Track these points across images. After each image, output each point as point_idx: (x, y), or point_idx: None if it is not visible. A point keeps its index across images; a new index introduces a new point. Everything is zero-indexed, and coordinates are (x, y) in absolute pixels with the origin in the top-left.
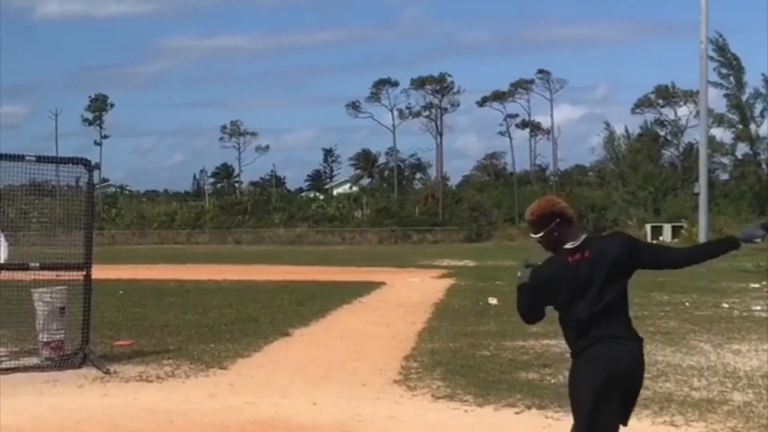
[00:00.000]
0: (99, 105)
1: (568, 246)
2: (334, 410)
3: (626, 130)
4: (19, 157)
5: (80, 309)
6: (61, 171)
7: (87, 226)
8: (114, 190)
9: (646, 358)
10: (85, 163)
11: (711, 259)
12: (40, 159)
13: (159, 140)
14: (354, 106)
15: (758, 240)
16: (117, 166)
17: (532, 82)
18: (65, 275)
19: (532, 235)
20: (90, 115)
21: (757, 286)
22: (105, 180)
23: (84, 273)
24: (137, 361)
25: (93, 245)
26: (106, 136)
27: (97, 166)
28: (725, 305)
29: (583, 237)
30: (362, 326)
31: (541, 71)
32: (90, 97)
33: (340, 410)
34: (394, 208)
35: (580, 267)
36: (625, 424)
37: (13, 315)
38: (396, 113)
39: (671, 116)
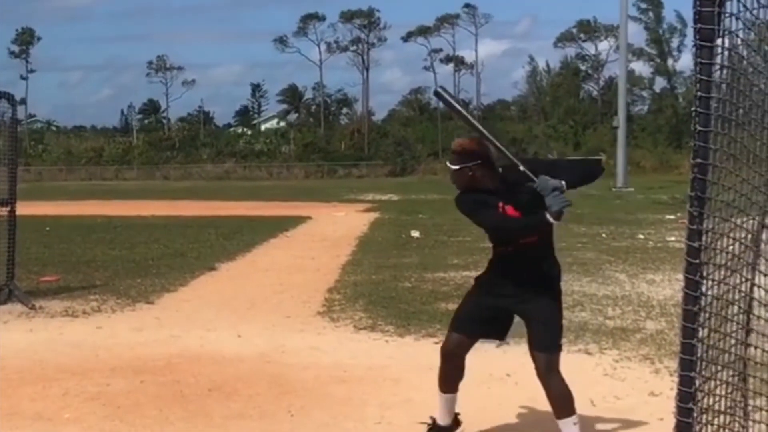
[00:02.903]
0: (25, 38)
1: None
2: (259, 342)
3: (547, 65)
4: None
5: (5, 245)
6: None
7: (11, 161)
8: (40, 125)
9: (562, 288)
10: (8, 97)
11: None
12: None
13: (86, 75)
14: (281, 41)
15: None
16: (43, 101)
17: (457, 16)
18: None
19: (449, 165)
20: (16, 48)
21: (672, 217)
22: (32, 115)
23: (8, 209)
24: (63, 296)
25: (17, 181)
26: (32, 71)
27: (23, 101)
28: (641, 236)
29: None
30: (287, 260)
31: (467, 5)
32: (16, 30)
33: (264, 342)
34: (321, 143)
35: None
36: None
37: None
38: (323, 48)
39: (592, 51)
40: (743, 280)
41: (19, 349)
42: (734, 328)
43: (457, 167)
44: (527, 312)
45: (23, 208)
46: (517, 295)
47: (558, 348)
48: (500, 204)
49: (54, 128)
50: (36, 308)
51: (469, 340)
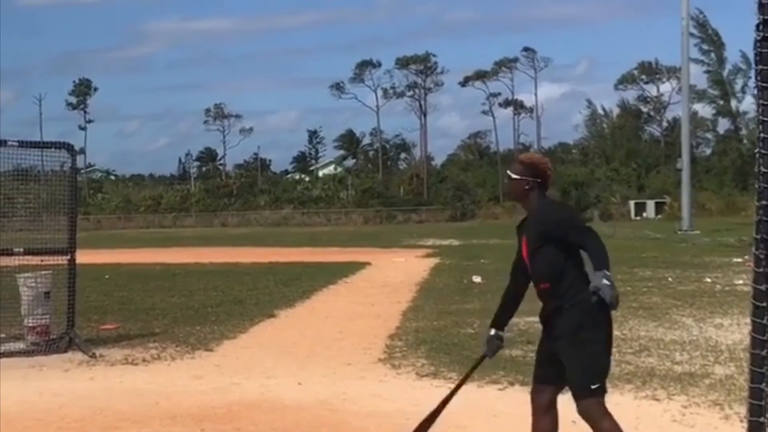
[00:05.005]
0: (83, 89)
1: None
2: (319, 389)
3: (603, 109)
4: (1, 143)
5: (65, 293)
6: (45, 156)
7: (71, 210)
8: (99, 175)
9: (628, 333)
10: (68, 147)
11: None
12: (23, 144)
13: (143, 124)
14: (338, 87)
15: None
16: (102, 150)
17: (515, 60)
18: (50, 260)
19: (510, 173)
20: (74, 100)
21: (739, 260)
22: (90, 165)
23: (68, 257)
24: (123, 344)
25: (77, 229)
26: (90, 121)
27: (82, 151)
28: (708, 280)
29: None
30: (347, 306)
31: (526, 49)
32: (74, 81)
33: (325, 389)
34: (379, 189)
35: (527, 227)
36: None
37: None
38: (380, 93)
39: (654, 92)
40: None
41: (80, 397)
42: None
43: (517, 176)
44: (559, 355)
45: (82, 257)
46: (550, 337)
47: (588, 392)
48: (524, 237)
49: (112, 177)
50: (96, 356)
51: (540, 385)
